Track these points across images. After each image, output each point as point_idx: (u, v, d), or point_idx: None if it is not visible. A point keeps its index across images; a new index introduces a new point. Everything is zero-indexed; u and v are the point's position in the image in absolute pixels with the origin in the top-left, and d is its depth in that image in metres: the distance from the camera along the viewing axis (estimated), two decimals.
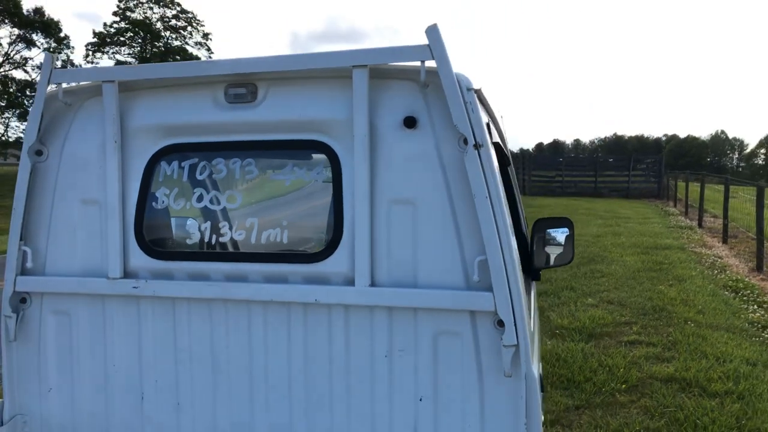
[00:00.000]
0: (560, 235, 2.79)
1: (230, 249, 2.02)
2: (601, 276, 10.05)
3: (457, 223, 1.75)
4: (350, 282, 1.83)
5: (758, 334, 6.85)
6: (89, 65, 57.31)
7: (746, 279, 9.92)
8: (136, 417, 2.05)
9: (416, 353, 1.81)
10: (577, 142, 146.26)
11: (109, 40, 55.40)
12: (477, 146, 1.69)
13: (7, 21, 53.20)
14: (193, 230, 2.04)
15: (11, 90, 54.58)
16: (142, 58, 56.21)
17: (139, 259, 1.99)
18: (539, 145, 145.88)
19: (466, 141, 1.71)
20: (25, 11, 53.67)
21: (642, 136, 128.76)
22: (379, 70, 1.80)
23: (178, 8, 58.34)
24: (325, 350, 1.87)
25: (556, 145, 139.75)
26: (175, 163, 2.01)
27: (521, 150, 28.31)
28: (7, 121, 55.82)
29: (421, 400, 1.82)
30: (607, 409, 4.89)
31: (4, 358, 2.16)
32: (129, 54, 56.35)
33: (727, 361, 5.85)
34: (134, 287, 1.98)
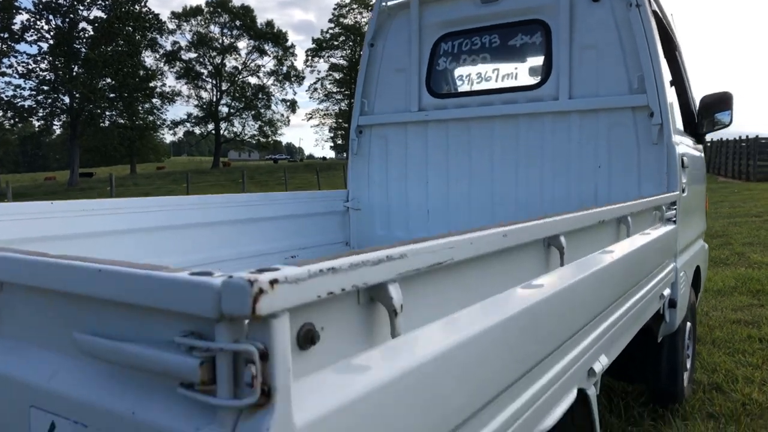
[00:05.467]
0: (724, 118, 3.68)
1: (482, 87, 3.38)
2: None
3: (625, 55, 2.87)
4: (556, 98, 3.06)
5: None
6: (308, 68, 64.45)
7: None
8: (423, 194, 3.50)
9: (596, 139, 2.97)
10: None
11: (324, 45, 61.63)
12: (637, 5, 2.80)
13: (245, 34, 62.31)
14: (460, 79, 3.45)
15: (248, 94, 63.68)
16: (351, 60, 61.80)
17: (427, 99, 3.43)
18: None
19: (631, 4, 2.82)
20: (258, 25, 62.10)
21: None
22: None
23: None
24: (539, 142, 3.12)
25: None
26: (449, 43, 3.41)
27: (757, 137, 25.85)
28: (244, 121, 65.29)
29: (599, 167, 2.98)
30: None
31: (349, 165, 3.78)
32: (341, 57, 62.26)
33: None
34: (425, 115, 3.43)
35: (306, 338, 0.68)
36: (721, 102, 3.65)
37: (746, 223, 11.43)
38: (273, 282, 0.60)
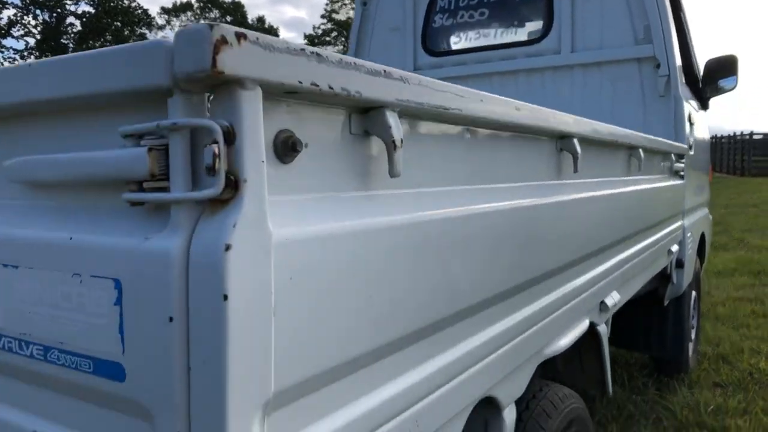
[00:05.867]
0: (729, 83, 3.55)
1: (480, 44, 3.24)
2: None
3: (629, 4, 2.75)
4: (557, 52, 2.92)
5: None
6: None
7: None
8: None
9: (600, 93, 2.85)
10: None
11: (317, 41, 61.41)
12: None
13: None
14: (456, 37, 3.31)
15: None
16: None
17: (423, 58, 3.29)
18: None
19: None
20: (249, 21, 61.76)
21: None
22: None
23: None
24: (540, 98, 2.99)
25: None
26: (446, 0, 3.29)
27: (752, 133, 26.08)
28: None
29: None
30: None
31: None
32: (334, 52, 62.24)
33: None
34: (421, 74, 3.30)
35: (286, 145, 0.53)
36: (726, 66, 3.52)
37: (743, 213, 11.49)
38: (240, 36, 0.45)
